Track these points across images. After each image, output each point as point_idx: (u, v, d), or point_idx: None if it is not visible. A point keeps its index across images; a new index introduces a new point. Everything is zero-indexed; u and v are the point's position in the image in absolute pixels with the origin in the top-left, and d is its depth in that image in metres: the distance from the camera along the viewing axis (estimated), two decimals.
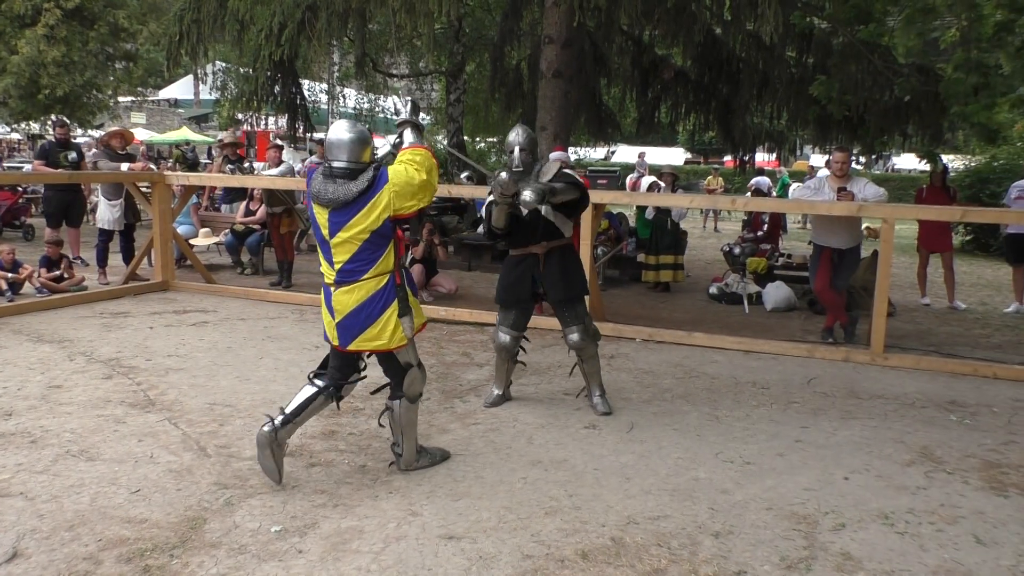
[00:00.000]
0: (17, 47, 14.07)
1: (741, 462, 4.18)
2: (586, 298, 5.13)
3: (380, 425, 4.15)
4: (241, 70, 16.59)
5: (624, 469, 4.05)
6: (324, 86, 19.36)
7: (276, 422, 3.66)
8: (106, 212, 9.01)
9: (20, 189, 12.91)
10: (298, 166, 10.66)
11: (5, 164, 13.31)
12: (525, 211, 4.65)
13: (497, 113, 15.65)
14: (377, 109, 20.19)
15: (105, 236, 9.06)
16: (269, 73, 11.88)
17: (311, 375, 3.87)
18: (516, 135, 4.89)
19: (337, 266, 3.64)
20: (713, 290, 9.34)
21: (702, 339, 6.80)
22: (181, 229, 9.74)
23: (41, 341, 6.28)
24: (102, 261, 9.01)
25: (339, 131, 3.70)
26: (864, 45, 9.56)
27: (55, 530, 3.24)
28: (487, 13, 15.97)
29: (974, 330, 7.90)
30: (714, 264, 11.99)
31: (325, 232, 3.63)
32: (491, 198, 4.77)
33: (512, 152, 4.82)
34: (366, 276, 3.61)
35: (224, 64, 18.37)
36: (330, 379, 3.84)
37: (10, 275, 7.99)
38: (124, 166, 8.88)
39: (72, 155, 9.54)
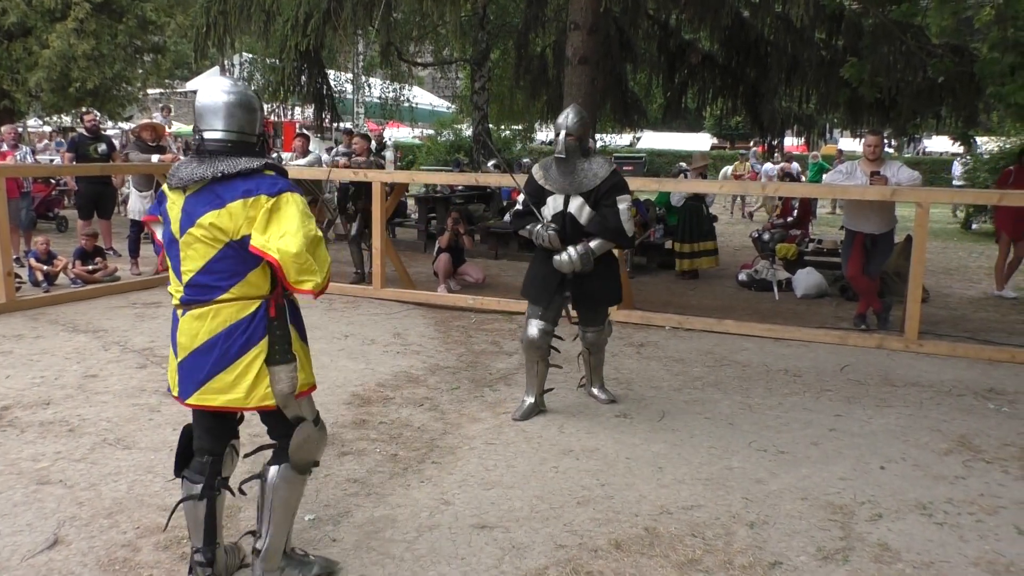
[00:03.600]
0: (48, 41, 14.23)
1: (775, 451, 4.14)
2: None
3: (241, 492, 2.96)
4: (268, 61, 16.64)
5: (656, 458, 4.03)
6: (350, 76, 19.41)
7: (203, 558, 2.75)
8: (137, 203, 9.12)
9: (53, 181, 13.10)
10: (325, 156, 10.72)
11: (37, 157, 13.46)
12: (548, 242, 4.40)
13: (522, 101, 15.58)
14: (402, 99, 20.19)
15: (137, 227, 9.16)
16: (295, 63, 11.93)
17: (181, 475, 2.80)
18: (565, 117, 4.44)
19: (186, 277, 2.61)
20: (742, 277, 9.26)
21: (732, 326, 6.74)
22: None
23: (76, 331, 6.38)
24: (134, 252, 9.12)
25: (214, 92, 2.65)
26: (896, 25, 9.36)
27: (94, 517, 3.30)
28: (511, 0, 15.89)
29: (1010, 316, 7.75)
30: (743, 251, 11.87)
31: (175, 227, 2.62)
32: (520, 207, 4.59)
33: (558, 135, 4.42)
34: (226, 296, 2.58)
35: (250, 55, 18.44)
36: (202, 468, 2.76)
37: (45, 267, 8.13)
38: (155, 158, 8.98)
39: (102, 147, 9.65)
